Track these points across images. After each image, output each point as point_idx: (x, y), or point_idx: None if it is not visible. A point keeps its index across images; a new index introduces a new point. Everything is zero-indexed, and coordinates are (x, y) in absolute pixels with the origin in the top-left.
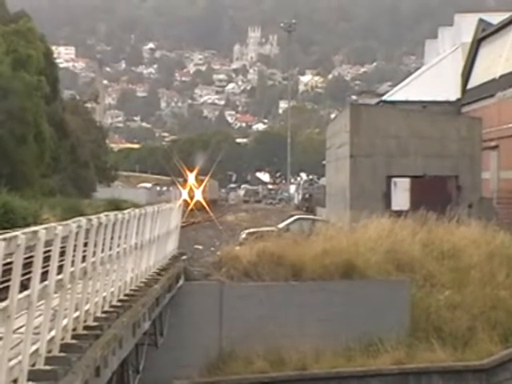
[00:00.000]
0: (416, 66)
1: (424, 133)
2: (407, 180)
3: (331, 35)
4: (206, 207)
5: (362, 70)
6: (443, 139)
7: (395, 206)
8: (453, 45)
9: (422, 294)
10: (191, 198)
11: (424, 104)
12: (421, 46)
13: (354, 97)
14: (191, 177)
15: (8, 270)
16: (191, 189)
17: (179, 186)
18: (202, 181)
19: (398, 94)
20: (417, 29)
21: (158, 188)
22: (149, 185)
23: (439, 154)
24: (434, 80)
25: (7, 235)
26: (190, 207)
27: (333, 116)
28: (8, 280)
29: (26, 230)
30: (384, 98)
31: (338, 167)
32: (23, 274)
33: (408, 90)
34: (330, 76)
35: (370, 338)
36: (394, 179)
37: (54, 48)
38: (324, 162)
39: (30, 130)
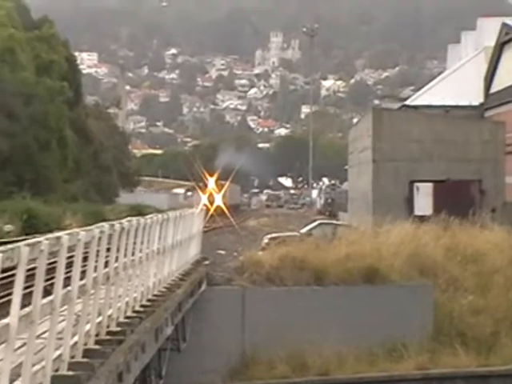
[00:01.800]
0: (438, 70)
1: (447, 137)
2: (430, 185)
3: (353, 39)
4: (226, 212)
5: (385, 74)
6: (466, 143)
7: (418, 211)
8: (475, 49)
9: (445, 298)
10: (211, 202)
11: (447, 108)
12: (443, 49)
13: (376, 101)
14: (211, 181)
15: (31, 276)
16: (211, 194)
17: (199, 191)
18: (223, 185)
19: (421, 98)
20: (439, 32)
21: (190, 193)
22: (181, 190)
23: (462, 158)
24: (457, 84)
25: (31, 241)
26: (209, 212)
27: (355, 120)
28: (31, 285)
29: (50, 235)
30: (406, 102)
31: (360, 172)
32: (46, 280)
33: (431, 95)
34: (352, 80)
35: (393, 343)
36: (416, 184)
37: (76, 54)
38: (346, 167)
39: (53, 136)
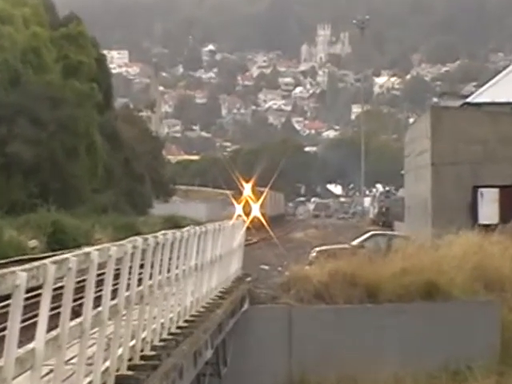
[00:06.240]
0: (504, 63)
1: None
2: (495, 190)
3: (409, 31)
4: (265, 224)
5: (444, 69)
6: None
7: (482, 220)
8: None
9: None
10: (247, 213)
11: None
12: (509, 41)
13: (435, 99)
14: (247, 188)
15: (59, 295)
16: (247, 203)
17: (233, 201)
18: (262, 193)
19: (485, 94)
20: (505, 22)
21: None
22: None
23: None
24: None
25: (58, 257)
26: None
27: (412, 120)
28: (59, 306)
29: (78, 251)
30: (468, 99)
31: (417, 177)
32: (75, 300)
33: (495, 91)
34: (408, 76)
35: (457, 365)
36: (480, 189)
37: (106, 52)
38: (402, 172)
39: (81, 142)
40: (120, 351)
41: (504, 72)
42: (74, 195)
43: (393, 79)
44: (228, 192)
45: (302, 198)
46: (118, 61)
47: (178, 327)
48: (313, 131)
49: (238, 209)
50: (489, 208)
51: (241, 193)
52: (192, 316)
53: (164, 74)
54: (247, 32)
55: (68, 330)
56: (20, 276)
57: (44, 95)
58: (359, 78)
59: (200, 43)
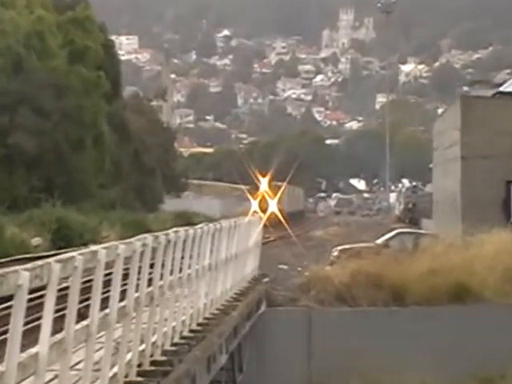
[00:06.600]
0: None
1: None
2: None
3: (437, 15)
4: (283, 221)
5: (475, 55)
6: None
7: None
8: None
9: None
10: (263, 210)
11: None
12: None
13: (465, 88)
14: (263, 183)
15: (64, 296)
16: (263, 198)
17: (249, 196)
18: (280, 188)
19: None
20: None
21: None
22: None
23: None
24: None
25: (63, 256)
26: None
27: (440, 111)
28: (64, 308)
29: (84, 249)
30: (501, 88)
31: (446, 171)
32: (81, 301)
33: None
34: (437, 64)
35: (488, 373)
36: None
37: (114, 38)
38: (430, 166)
39: (88, 133)
40: (129, 356)
41: None
42: (79, 190)
43: (420, 67)
44: (243, 187)
45: (323, 194)
46: (126, 47)
47: (191, 331)
48: (334, 122)
49: (254, 205)
50: None
51: (257, 188)
52: (205, 319)
53: (176, 61)
54: (265, 16)
55: (73, 333)
56: (23, 275)
57: (48, 82)
58: (384, 65)
59: (214, 28)
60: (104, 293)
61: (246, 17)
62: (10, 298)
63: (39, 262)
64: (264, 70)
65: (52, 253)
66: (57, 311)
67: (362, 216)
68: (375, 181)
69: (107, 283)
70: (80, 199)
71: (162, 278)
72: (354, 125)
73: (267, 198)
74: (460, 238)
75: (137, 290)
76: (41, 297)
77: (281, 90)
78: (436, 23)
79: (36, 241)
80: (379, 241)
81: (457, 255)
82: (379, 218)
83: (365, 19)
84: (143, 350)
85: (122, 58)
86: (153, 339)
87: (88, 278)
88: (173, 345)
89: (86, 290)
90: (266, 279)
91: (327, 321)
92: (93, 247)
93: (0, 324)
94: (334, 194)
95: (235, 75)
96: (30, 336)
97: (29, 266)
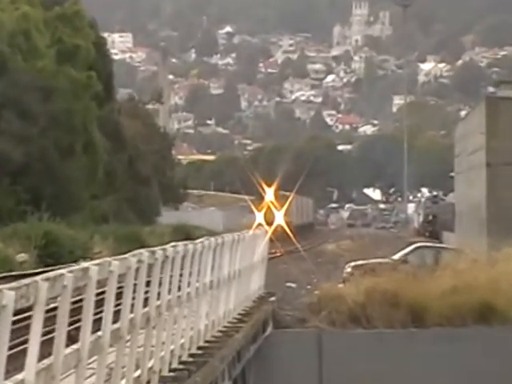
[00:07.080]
0: None
1: None
2: None
3: (459, 10)
4: (290, 235)
5: (501, 53)
6: None
7: None
8: None
9: None
10: (269, 222)
11: None
12: None
13: (490, 88)
14: (269, 193)
15: (52, 318)
16: (269, 210)
17: (253, 208)
18: (288, 198)
19: None
20: None
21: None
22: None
23: None
24: None
25: (51, 274)
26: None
27: (463, 114)
28: (52, 331)
29: (74, 266)
30: None
31: (470, 179)
32: (71, 323)
33: None
34: (459, 62)
35: None
36: None
37: (106, 35)
38: (452, 174)
39: (78, 140)
40: (123, 383)
41: None
42: (69, 201)
43: (441, 65)
44: (247, 197)
45: (335, 205)
46: (120, 45)
47: (191, 355)
48: (347, 126)
49: (259, 217)
50: None
51: (262, 198)
52: (207, 342)
53: (173, 61)
54: (270, 11)
55: (63, 358)
56: (7, 295)
57: (34, 85)
58: (401, 64)
59: (215, 24)
60: (96, 314)
61: (249, 12)
62: None
63: (25, 281)
64: (270, 70)
65: (39, 270)
66: (44, 334)
67: (378, 229)
68: (392, 190)
69: (99, 303)
70: (70, 212)
71: (159, 297)
72: (368, 129)
73: (273, 210)
74: (485, 253)
75: (132, 311)
76: (27, 318)
77: (288, 92)
78: (458, 18)
79: (21, 257)
80: (396, 256)
81: (482, 272)
82: (396, 231)
83: (380, 13)
84: (139, 377)
85: (115, 57)
86: (149, 364)
87: (78, 298)
88: (171, 370)
89: (77, 310)
90: (272, 298)
91: (339, 344)
92: (84, 264)
93: None
94: (347, 205)
95: (238, 76)
96: (15, 361)
97: (13, 284)
